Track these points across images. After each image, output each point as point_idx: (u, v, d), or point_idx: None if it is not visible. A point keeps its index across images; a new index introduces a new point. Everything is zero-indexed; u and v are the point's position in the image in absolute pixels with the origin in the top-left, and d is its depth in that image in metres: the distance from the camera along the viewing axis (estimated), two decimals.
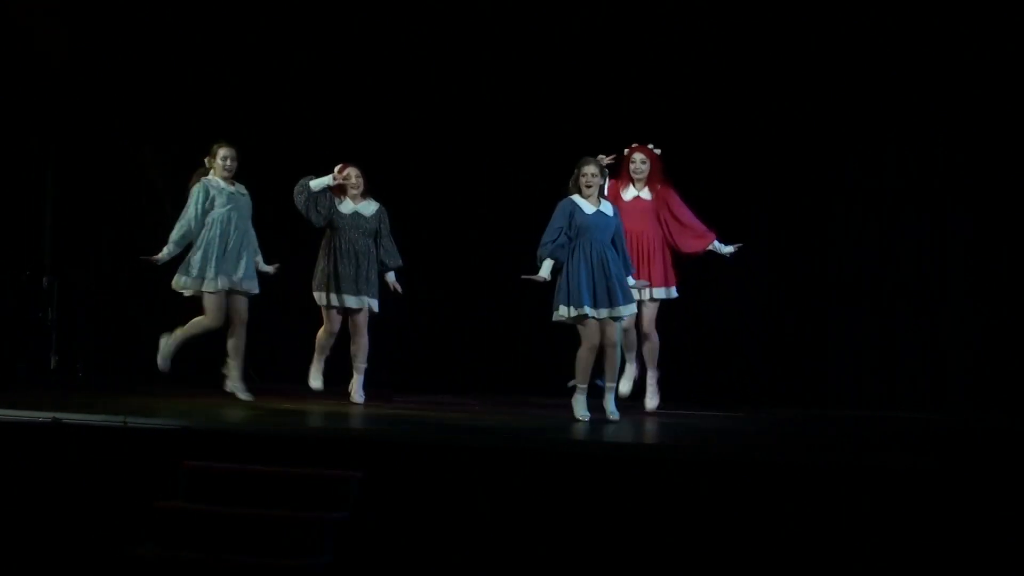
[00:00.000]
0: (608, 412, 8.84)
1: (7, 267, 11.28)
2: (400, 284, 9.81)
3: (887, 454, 7.77)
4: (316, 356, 9.73)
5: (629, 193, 9.59)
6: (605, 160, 9.29)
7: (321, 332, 9.66)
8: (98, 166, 11.60)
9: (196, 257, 9.46)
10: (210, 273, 9.43)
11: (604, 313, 8.75)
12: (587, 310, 8.71)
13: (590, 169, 8.92)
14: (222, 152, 9.60)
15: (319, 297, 9.60)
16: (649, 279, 9.41)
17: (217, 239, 9.46)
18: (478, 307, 11.23)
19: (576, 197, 8.91)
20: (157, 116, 11.60)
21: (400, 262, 9.74)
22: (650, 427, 8.92)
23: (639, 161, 9.60)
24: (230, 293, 9.50)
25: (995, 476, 7.09)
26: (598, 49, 11.01)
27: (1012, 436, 9.03)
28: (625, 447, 7.91)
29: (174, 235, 9.50)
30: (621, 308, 8.77)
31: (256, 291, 9.61)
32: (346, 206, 9.67)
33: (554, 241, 8.85)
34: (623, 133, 10.58)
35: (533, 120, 11.15)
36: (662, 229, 9.54)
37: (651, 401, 9.65)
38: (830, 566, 7.06)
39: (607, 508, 7.30)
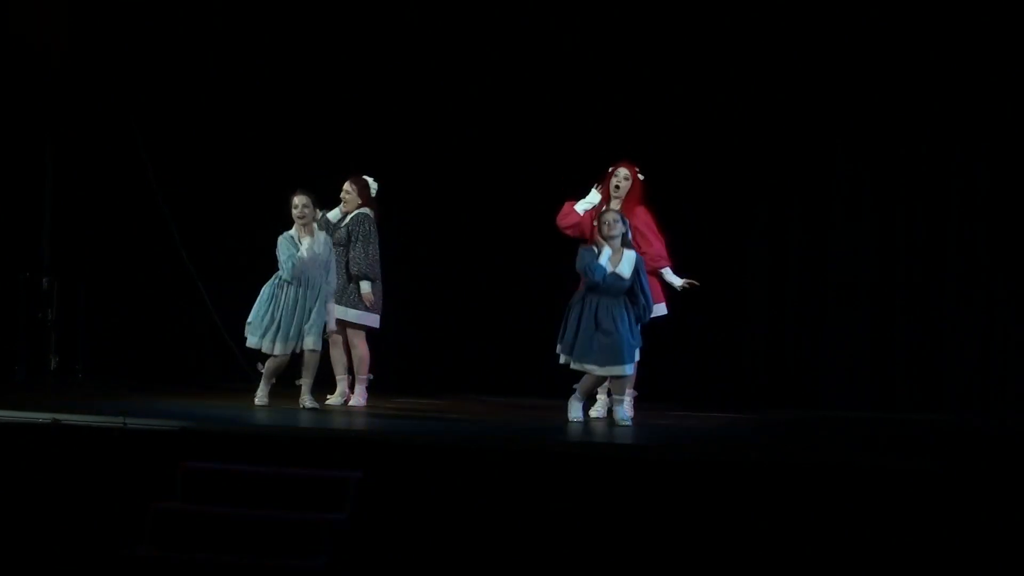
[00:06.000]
0: (618, 419, 8.80)
1: (6, 268, 11.28)
2: (400, 284, 9.88)
3: (885, 455, 7.78)
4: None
5: None
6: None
7: None
8: (97, 166, 11.59)
9: None
10: None
11: (583, 365, 8.67)
12: (564, 359, 8.71)
13: (607, 217, 8.72)
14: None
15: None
16: None
17: None
18: (478, 307, 11.22)
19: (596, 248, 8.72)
20: (157, 116, 11.59)
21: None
22: (648, 428, 8.90)
23: (622, 177, 9.19)
24: None
25: (994, 477, 7.09)
26: (599, 47, 10.99)
27: (1011, 437, 9.03)
28: (624, 448, 7.91)
29: None
30: (609, 368, 8.62)
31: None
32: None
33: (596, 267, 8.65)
34: (624, 132, 10.62)
35: (535, 120, 11.12)
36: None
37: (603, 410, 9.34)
38: (829, 567, 7.07)
39: (605, 509, 7.30)
